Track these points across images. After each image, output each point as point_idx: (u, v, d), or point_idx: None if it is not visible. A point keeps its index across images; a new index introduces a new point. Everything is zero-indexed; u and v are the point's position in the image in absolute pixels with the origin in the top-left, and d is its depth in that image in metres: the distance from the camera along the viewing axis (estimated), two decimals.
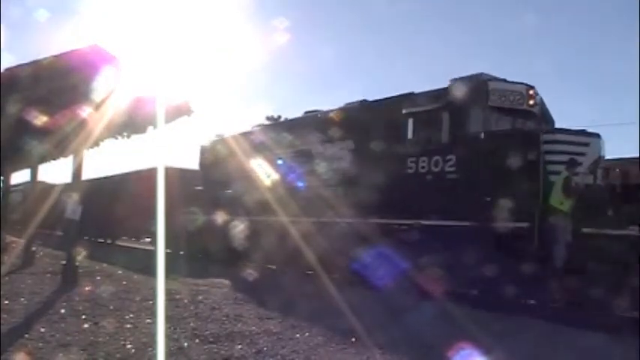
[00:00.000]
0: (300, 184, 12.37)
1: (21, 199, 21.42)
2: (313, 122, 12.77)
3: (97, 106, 8.38)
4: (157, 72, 9.32)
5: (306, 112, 13.52)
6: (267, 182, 12.90)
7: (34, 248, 12.71)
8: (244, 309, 7.24)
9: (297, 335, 5.84)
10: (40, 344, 5.02)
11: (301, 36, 42.34)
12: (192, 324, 6.17)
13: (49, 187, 16.06)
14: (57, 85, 7.93)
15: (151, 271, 8.54)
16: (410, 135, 10.15)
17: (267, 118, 13.48)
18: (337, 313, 6.67)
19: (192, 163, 18.02)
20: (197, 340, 5.44)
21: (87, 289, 8.39)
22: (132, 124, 9.94)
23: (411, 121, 10.12)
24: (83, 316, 6.33)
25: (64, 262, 9.44)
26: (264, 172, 13.13)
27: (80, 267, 9.77)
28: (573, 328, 6.42)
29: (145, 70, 8.79)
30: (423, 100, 10.00)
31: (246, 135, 14.77)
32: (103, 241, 22.65)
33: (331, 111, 12.31)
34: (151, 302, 7.27)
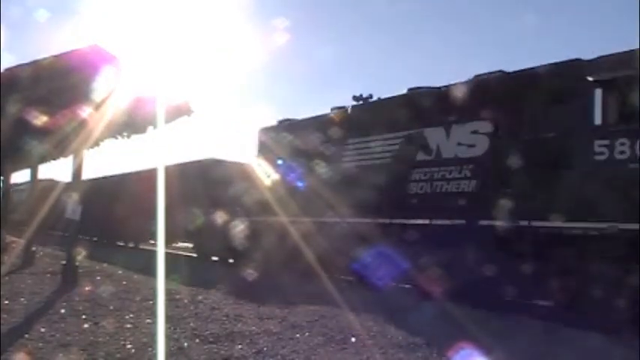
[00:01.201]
0: (410, 176, 9.79)
1: (25, 198, 21.23)
2: (425, 100, 9.96)
3: (97, 106, 8.38)
4: (156, 72, 9.33)
5: (410, 90, 10.58)
6: (364, 174, 10.55)
7: (34, 248, 12.70)
8: (244, 309, 7.23)
9: (297, 335, 5.84)
10: (40, 344, 5.02)
11: (301, 36, 42.33)
12: (192, 324, 6.17)
13: (55, 185, 15.88)
14: (57, 85, 7.93)
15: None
16: (598, 110, 7.58)
17: (355, 98, 11.40)
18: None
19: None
20: (197, 340, 5.44)
21: (87, 289, 8.38)
22: (132, 124, 9.95)
23: (599, 92, 7.58)
24: (83, 316, 6.32)
25: (64, 262, 9.44)
26: (358, 161, 11.01)
27: (80, 267, 9.76)
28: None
29: (145, 70, 8.79)
30: (618, 62, 7.45)
31: (333, 117, 11.96)
32: (123, 244, 21.81)
33: (452, 86, 9.56)
34: (151, 302, 7.27)
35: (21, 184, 20.42)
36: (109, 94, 8.16)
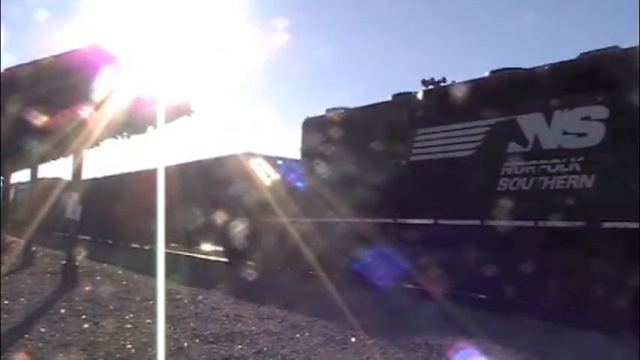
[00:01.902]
0: (500, 170, 8.37)
1: (30, 196, 20.77)
2: (518, 83, 8.60)
3: (97, 106, 8.39)
4: (157, 72, 9.33)
5: (495, 71, 9.19)
6: (438, 169, 9.29)
7: (34, 248, 12.71)
8: (244, 309, 7.23)
9: (297, 335, 5.84)
10: (40, 344, 5.02)
11: (301, 36, 42.33)
12: (192, 324, 6.17)
13: (62, 184, 15.54)
14: (57, 85, 7.94)
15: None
16: None
17: (424, 82, 9.96)
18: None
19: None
20: (197, 340, 5.44)
21: (87, 289, 8.39)
22: (132, 124, 9.95)
23: None
24: (83, 316, 6.33)
25: (64, 262, 9.44)
26: (431, 154, 9.49)
27: (80, 267, 9.76)
28: None
29: (145, 70, 8.79)
30: None
31: (397, 104, 10.44)
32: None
33: (555, 65, 8.15)
34: (151, 302, 7.27)
35: (25, 182, 20.05)
36: (109, 94, 8.17)
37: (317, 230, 10.65)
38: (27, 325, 5.82)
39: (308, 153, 11.94)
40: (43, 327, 5.68)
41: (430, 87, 10.11)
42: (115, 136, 10.51)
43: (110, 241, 21.35)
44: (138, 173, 19.43)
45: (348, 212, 10.11)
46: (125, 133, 10.48)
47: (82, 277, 9.36)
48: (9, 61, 12.99)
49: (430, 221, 9.13)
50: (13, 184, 20.89)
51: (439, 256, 8.38)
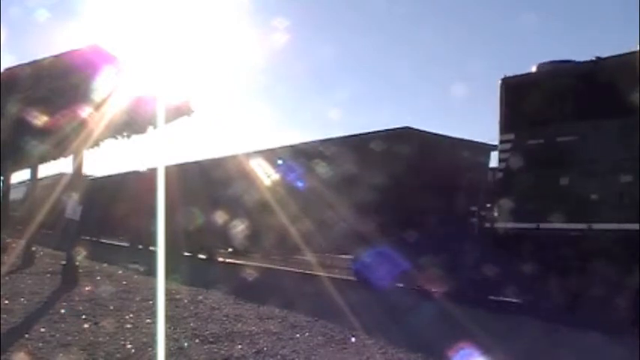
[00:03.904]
0: None
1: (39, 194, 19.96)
2: None
3: (98, 106, 8.40)
4: (157, 72, 9.32)
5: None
6: None
7: (34, 248, 12.71)
8: (244, 309, 7.23)
9: (297, 335, 5.84)
10: (40, 344, 5.02)
11: (301, 36, 42.31)
12: (192, 324, 6.16)
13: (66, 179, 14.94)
14: (57, 85, 7.96)
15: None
16: None
17: None
18: None
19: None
20: (197, 340, 5.44)
21: (87, 289, 8.39)
22: (132, 124, 9.97)
23: None
24: (83, 316, 6.32)
25: (64, 262, 9.44)
26: None
27: (80, 267, 9.76)
28: None
29: (145, 70, 8.80)
30: None
31: None
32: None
33: None
34: (151, 302, 7.27)
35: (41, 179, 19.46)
36: (109, 94, 8.18)
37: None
38: (27, 325, 5.81)
39: (515, 122, 8.60)
40: (43, 327, 5.67)
41: None
42: (115, 136, 10.53)
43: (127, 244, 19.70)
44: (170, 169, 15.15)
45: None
46: (125, 133, 10.50)
47: (82, 277, 9.35)
48: (9, 61, 12.98)
49: None
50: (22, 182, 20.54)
51: None
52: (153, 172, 14.10)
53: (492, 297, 8.52)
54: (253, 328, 6.12)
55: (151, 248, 13.49)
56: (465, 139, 11.23)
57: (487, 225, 8.59)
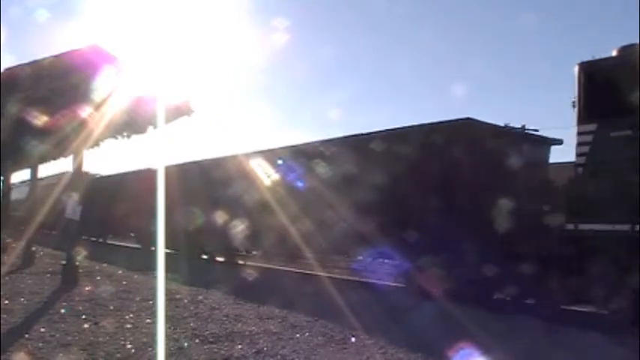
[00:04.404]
0: None
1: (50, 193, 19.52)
2: None
3: (98, 106, 8.40)
4: (157, 72, 9.32)
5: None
6: None
7: (34, 248, 12.71)
8: (244, 309, 7.23)
9: (297, 335, 5.84)
10: (40, 344, 5.02)
11: (301, 36, 42.31)
12: (192, 324, 6.17)
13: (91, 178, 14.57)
14: (57, 85, 7.96)
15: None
16: None
17: None
18: None
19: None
20: (197, 340, 5.44)
21: (87, 289, 8.39)
22: (132, 124, 9.98)
23: None
24: (83, 316, 6.33)
25: (64, 262, 9.45)
26: None
27: (80, 267, 9.76)
28: None
29: (145, 70, 8.79)
30: None
31: None
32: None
33: None
34: (151, 302, 7.27)
35: (46, 177, 19.19)
36: (109, 94, 8.18)
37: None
38: (27, 325, 5.82)
39: (595, 109, 7.63)
40: (43, 327, 5.67)
41: None
42: (115, 136, 10.53)
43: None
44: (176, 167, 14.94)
45: None
46: (125, 133, 10.50)
47: (82, 277, 9.35)
48: (9, 61, 12.98)
49: None
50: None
51: None
52: (170, 168, 13.34)
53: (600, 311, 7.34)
54: (253, 328, 6.12)
55: (170, 251, 12.40)
56: (526, 130, 10.20)
57: (570, 227, 7.51)
